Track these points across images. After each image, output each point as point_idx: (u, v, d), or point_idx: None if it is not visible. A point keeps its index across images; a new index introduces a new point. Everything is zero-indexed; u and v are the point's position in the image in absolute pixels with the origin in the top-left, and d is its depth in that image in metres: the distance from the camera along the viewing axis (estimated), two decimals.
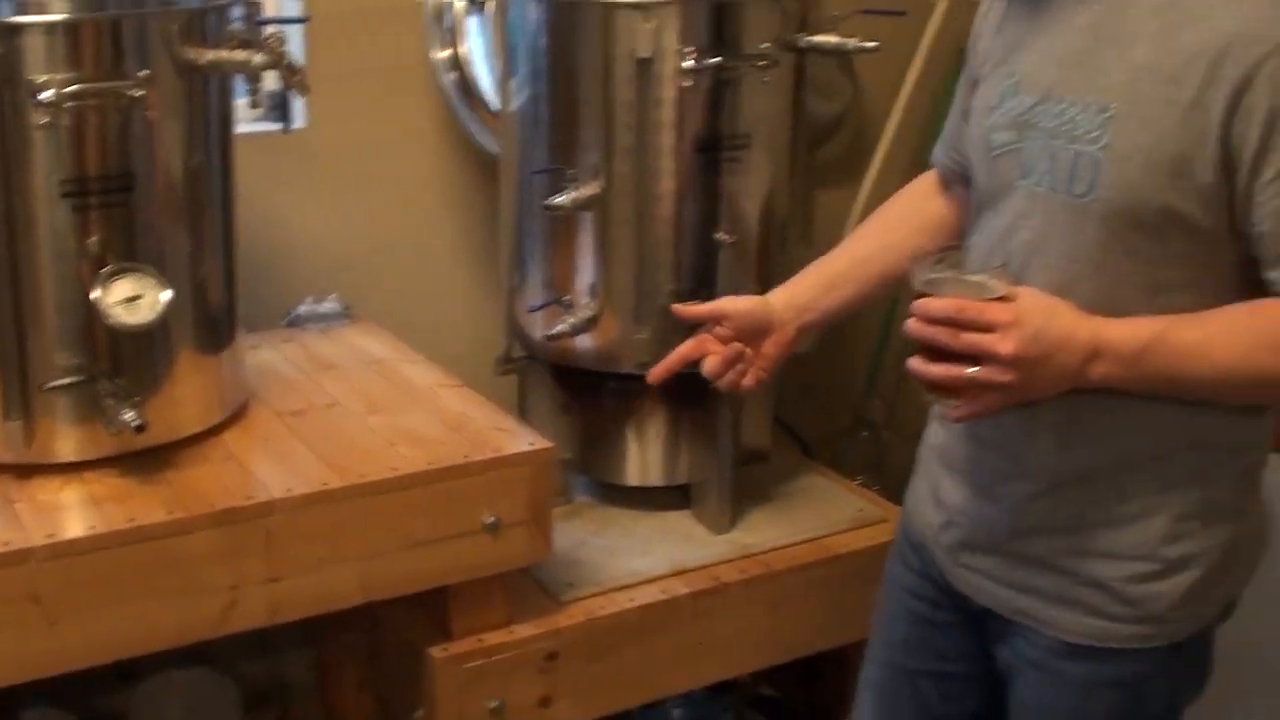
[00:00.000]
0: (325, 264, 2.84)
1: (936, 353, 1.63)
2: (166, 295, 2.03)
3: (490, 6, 2.73)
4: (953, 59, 2.98)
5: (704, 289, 2.38)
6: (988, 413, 1.67)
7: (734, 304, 2.09)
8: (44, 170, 1.96)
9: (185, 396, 2.16)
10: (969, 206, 1.92)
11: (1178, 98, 1.58)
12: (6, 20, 2.16)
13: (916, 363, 1.65)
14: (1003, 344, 1.58)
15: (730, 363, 2.07)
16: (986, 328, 1.59)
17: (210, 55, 2.10)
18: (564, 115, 2.39)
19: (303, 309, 2.74)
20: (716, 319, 2.09)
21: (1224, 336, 1.62)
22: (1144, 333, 1.62)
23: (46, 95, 1.93)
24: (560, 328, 2.41)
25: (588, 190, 2.33)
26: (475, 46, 2.78)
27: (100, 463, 2.08)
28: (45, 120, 1.95)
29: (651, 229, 2.39)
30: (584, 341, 2.46)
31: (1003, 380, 1.61)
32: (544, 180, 2.39)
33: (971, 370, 1.61)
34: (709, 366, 2.07)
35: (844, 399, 3.48)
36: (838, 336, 3.20)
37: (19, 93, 1.94)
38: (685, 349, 2.11)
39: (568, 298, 2.44)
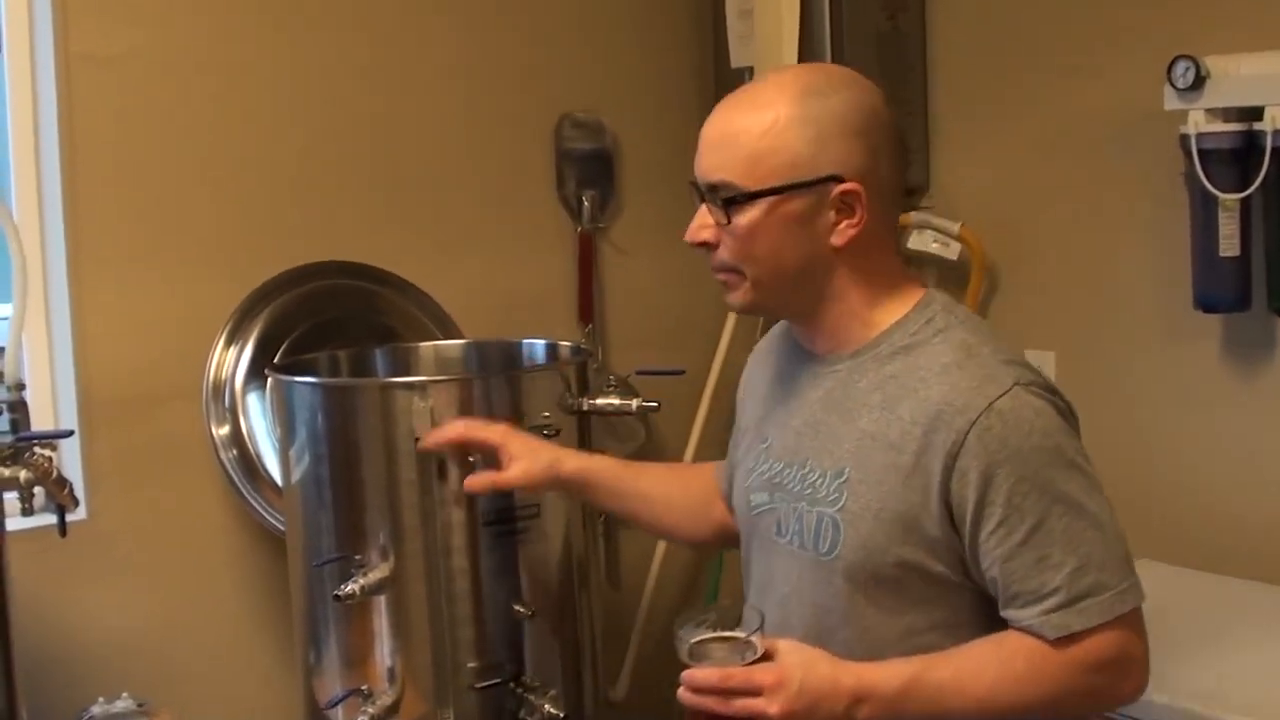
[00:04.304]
0: (115, 657, 2.73)
1: (710, 718, 1.69)
2: None
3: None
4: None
5: (509, 664, 2.33)
6: None
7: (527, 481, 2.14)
8: None
9: None
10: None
11: (899, 462, 1.74)
12: None
13: None
14: (770, 705, 1.66)
15: None
16: (754, 691, 1.67)
17: None
18: (348, 497, 2.34)
19: (95, 710, 2.59)
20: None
21: (973, 671, 1.72)
22: (902, 674, 1.71)
23: None
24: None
25: (377, 574, 2.27)
26: (257, 424, 2.74)
27: None
28: None
29: (447, 607, 2.31)
30: None
31: None
32: (333, 565, 2.32)
33: None
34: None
35: None
36: None
37: None
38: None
39: (365, 686, 2.34)
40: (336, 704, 2.38)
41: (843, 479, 1.78)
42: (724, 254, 1.82)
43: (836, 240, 1.78)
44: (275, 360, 2.72)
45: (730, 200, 1.77)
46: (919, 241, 3.13)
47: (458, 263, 3.13)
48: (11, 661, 2.16)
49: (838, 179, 1.75)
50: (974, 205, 3.12)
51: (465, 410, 2.28)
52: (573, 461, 2.16)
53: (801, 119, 1.75)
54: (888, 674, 1.71)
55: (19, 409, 2.36)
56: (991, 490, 1.69)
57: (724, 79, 3.32)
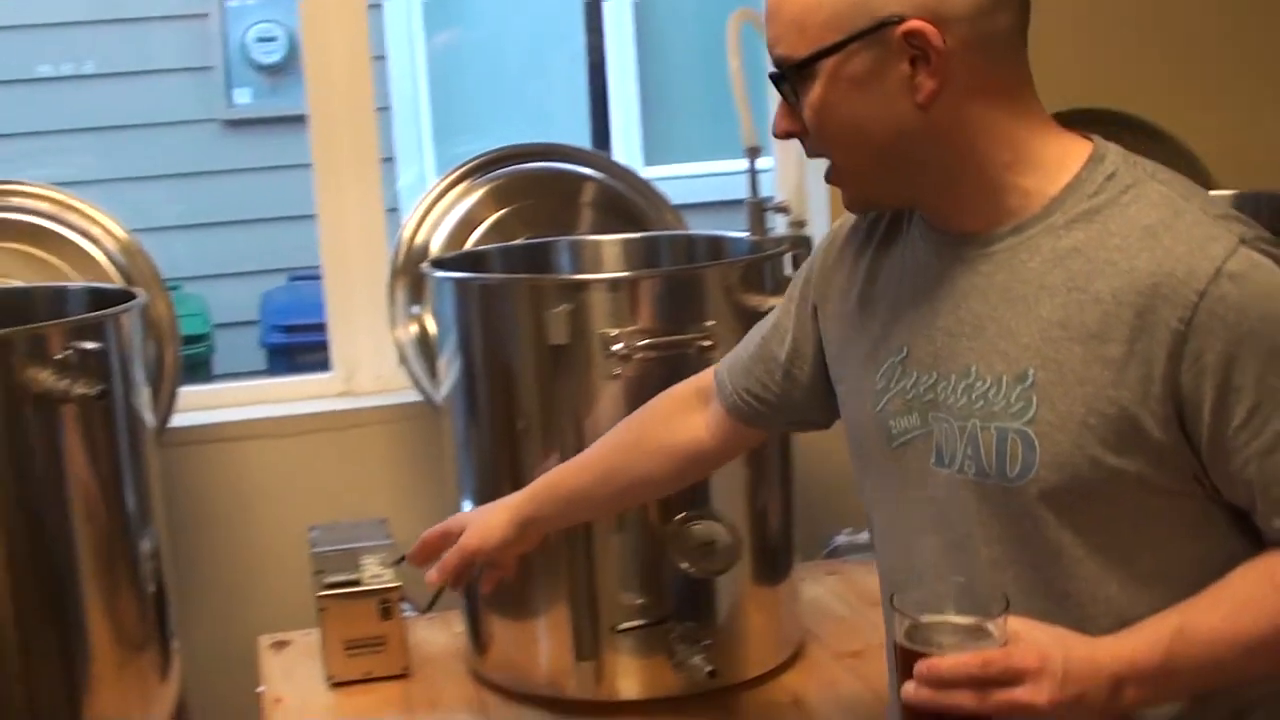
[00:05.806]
0: (851, 493, 2.83)
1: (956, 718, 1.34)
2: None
3: None
4: None
5: None
6: None
7: (485, 539, 1.92)
8: (613, 420, 2.01)
9: (748, 637, 2.19)
10: (729, 431, 1.84)
11: (1106, 354, 1.40)
12: (578, 278, 2.30)
13: None
14: (1038, 694, 1.33)
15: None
16: (1015, 679, 1.33)
17: (771, 302, 2.14)
18: None
19: (841, 539, 2.72)
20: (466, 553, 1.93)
21: (1245, 608, 1.39)
22: (1161, 637, 1.39)
23: (618, 348, 2.02)
24: None
25: None
26: None
27: (663, 702, 2.12)
28: (616, 371, 2.04)
29: None
30: None
31: None
32: None
33: None
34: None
35: None
36: None
37: (590, 345, 2.04)
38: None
39: None
40: None
41: (1028, 383, 1.43)
42: (810, 142, 1.52)
43: (920, 98, 1.42)
44: None
45: (781, 78, 1.48)
46: None
47: (1216, 114, 3.02)
48: (791, 490, 2.28)
49: (896, 20, 1.40)
50: None
51: None
52: (519, 495, 1.94)
53: None
54: (1147, 642, 1.38)
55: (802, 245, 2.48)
56: (1236, 373, 1.35)
57: None
